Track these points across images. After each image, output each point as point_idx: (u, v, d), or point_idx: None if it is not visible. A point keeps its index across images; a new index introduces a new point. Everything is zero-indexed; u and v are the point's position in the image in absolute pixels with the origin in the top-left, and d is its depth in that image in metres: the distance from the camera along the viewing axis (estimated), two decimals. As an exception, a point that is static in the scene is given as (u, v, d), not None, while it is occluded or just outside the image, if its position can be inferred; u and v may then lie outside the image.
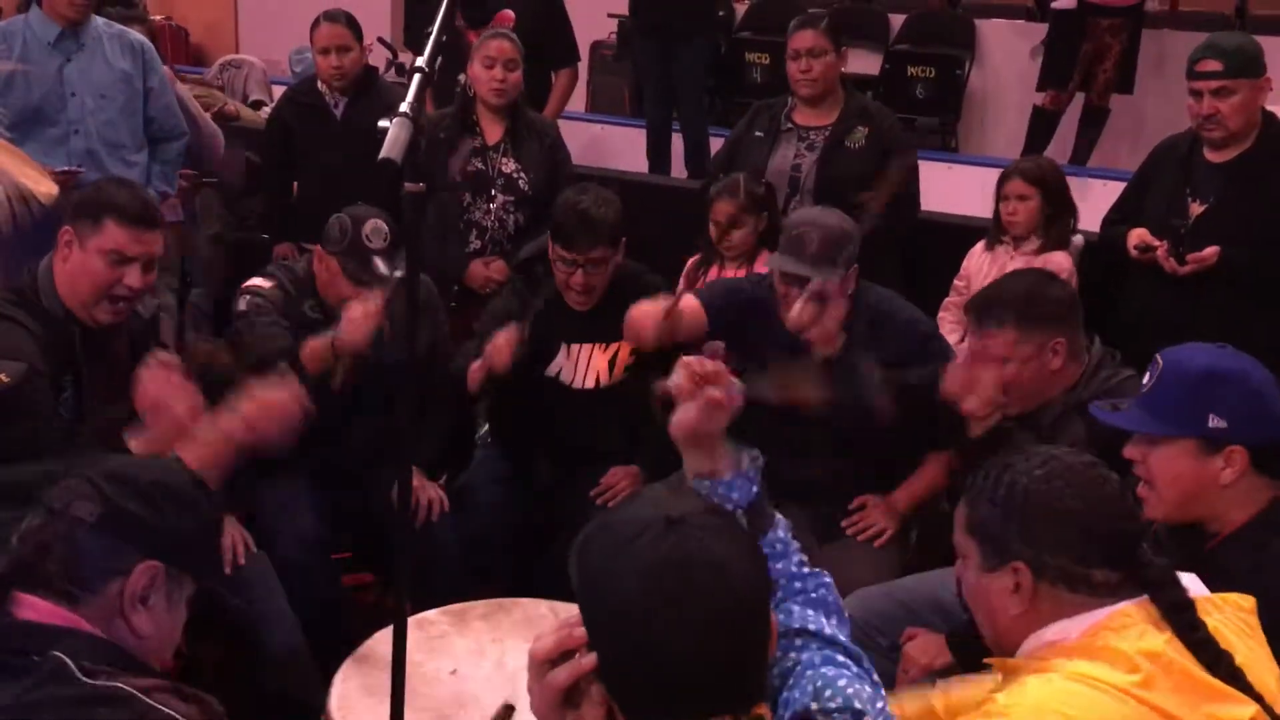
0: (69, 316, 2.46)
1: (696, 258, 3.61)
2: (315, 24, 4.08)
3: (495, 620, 2.35)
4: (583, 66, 5.15)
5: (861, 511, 2.84)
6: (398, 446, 2.14)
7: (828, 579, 1.47)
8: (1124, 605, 1.39)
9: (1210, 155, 3.14)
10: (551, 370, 3.07)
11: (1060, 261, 3.39)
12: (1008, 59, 6.65)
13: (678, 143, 5.63)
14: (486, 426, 3.36)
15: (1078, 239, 3.52)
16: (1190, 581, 1.45)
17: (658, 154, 5.66)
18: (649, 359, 3.14)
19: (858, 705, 1.23)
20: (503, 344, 2.83)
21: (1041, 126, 5.98)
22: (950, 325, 3.56)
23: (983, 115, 6.76)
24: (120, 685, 1.33)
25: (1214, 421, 1.79)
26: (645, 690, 1.11)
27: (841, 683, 1.26)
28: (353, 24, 4.08)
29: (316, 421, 2.81)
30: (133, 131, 3.78)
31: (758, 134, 3.64)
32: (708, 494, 1.40)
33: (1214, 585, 1.49)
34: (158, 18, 6.38)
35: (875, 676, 1.32)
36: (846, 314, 2.79)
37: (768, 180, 3.53)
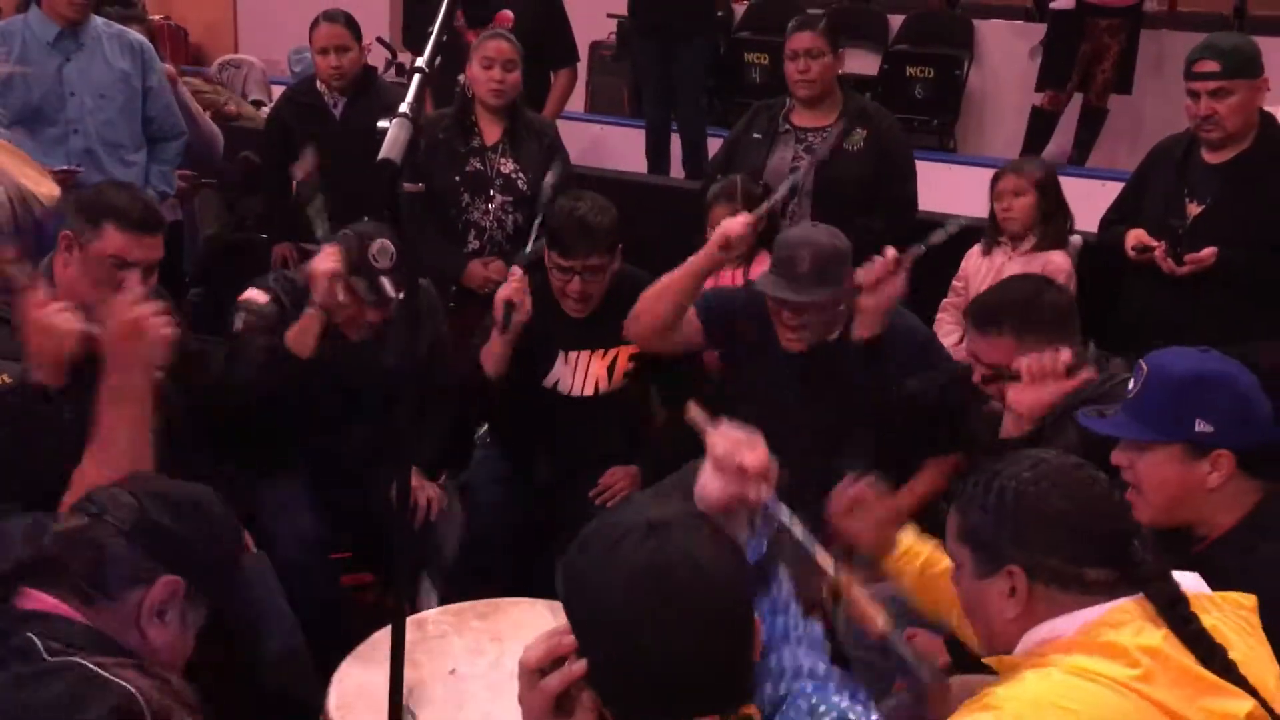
0: None
1: (695, 258, 3.62)
2: (314, 24, 4.08)
3: (494, 620, 2.36)
4: (582, 67, 5.15)
5: (862, 512, 2.84)
6: (397, 446, 2.14)
7: (820, 629, 1.47)
8: (1121, 602, 1.40)
9: (1208, 156, 3.14)
10: (549, 381, 3.07)
11: (1059, 261, 3.39)
12: (1006, 59, 6.66)
13: (676, 143, 5.63)
14: (486, 426, 3.36)
15: (1076, 239, 3.52)
16: (1192, 580, 1.45)
17: (656, 154, 5.66)
18: (649, 364, 3.15)
19: (851, 717, 1.24)
20: (512, 290, 2.81)
21: (1040, 127, 5.98)
22: (949, 327, 3.56)
23: (981, 115, 6.77)
24: (76, 659, 1.34)
25: (1200, 426, 1.80)
26: (635, 693, 1.13)
27: (835, 698, 1.27)
28: (352, 24, 4.08)
29: (316, 421, 2.85)
30: (132, 131, 3.78)
31: (756, 135, 3.64)
32: None
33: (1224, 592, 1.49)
34: (156, 17, 6.38)
35: (873, 708, 1.32)
36: (843, 323, 2.79)
37: (765, 182, 3.53)
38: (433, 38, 1.50)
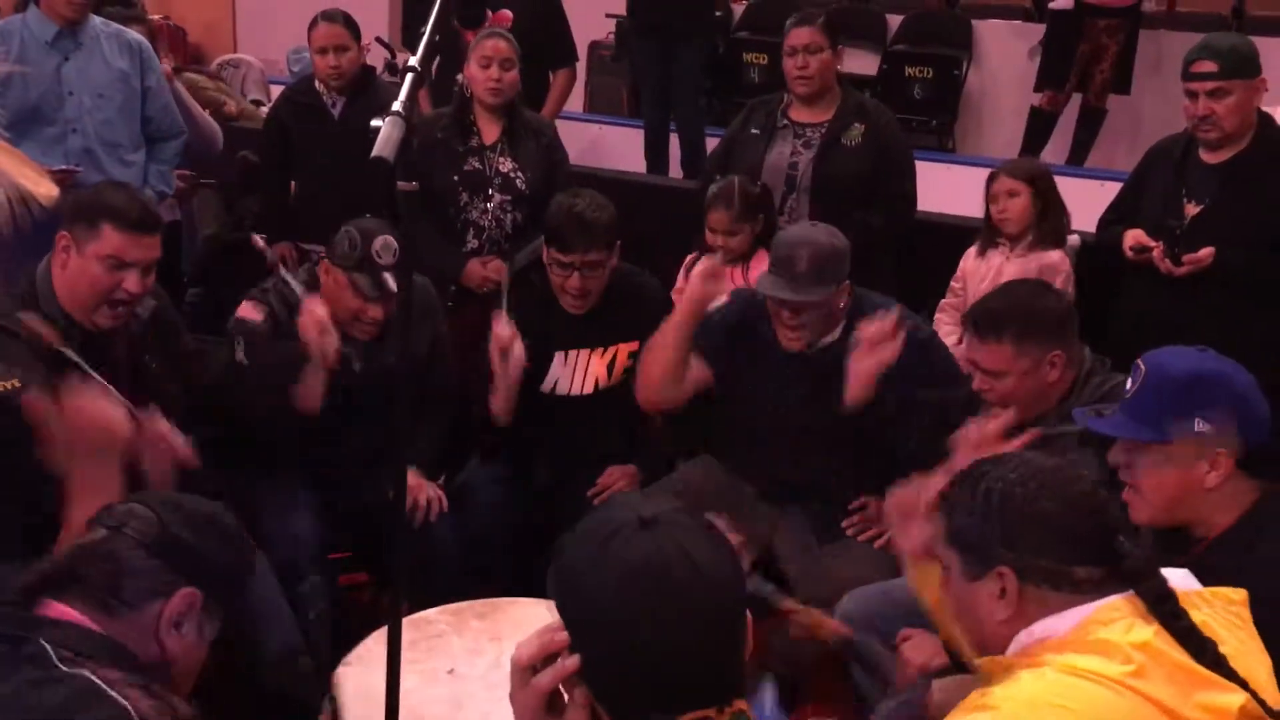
0: (69, 322, 2.45)
1: (694, 256, 3.62)
2: (313, 24, 4.08)
3: (493, 620, 2.36)
4: (581, 67, 5.15)
5: (862, 512, 2.84)
6: (395, 447, 2.14)
7: None
8: (1111, 599, 1.40)
9: (1205, 156, 3.14)
10: (546, 385, 3.07)
11: (1056, 261, 3.39)
12: (1005, 59, 6.66)
13: (675, 143, 5.63)
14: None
15: (1074, 239, 3.52)
16: (1181, 577, 1.46)
17: (655, 154, 5.66)
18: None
19: None
20: (509, 344, 2.81)
21: (1039, 127, 5.99)
22: (948, 327, 3.56)
23: (980, 116, 6.77)
24: (84, 672, 1.37)
25: (1199, 426, 1.80)
26: (628, 688, 1.13)
27: None
28: (350, 24, 4.08)
29: (315, 422, 2.85)
30: (130, 131, 3.77)
31: (753, 131, 3.64)
32: None
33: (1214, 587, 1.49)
34: (155, 17, 6.37)
35: None
36: (842, 328, 2.80)
37: (763, 182, 3.53)
38: (425, 37, 1.50)
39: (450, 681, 2.16)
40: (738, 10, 7.32)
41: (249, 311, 2.84)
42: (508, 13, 4.50)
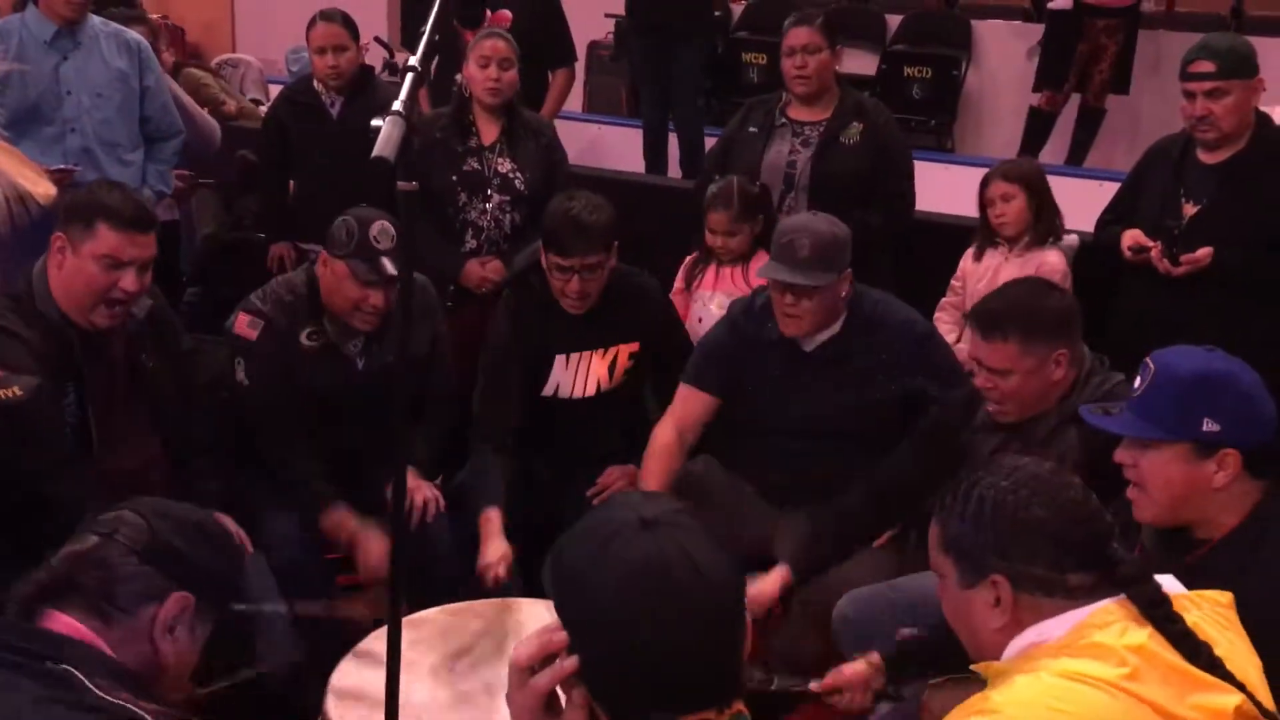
0: (66, 321, 2.45)
1: (693, 256, 3.62)
2: (311, 23, 4.08)
3: (492, 620, 2.35)
4: (580, 67, 5.15)
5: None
6: (394, 447, 2.14)
7: None
8: (1104, 603, 1.40)
9: (1203, 156, 3.15)
10: (548, 390, 3.07)
11: (1054, 261, 3.39)
12: (1004, 59, 6.66)
13: (674, 142, 5.63)
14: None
15: (1073, 239, 3.52)
16: (1169, 581, 1.46)
17: (654, 154, 5.66)
18: (648, 363, 3.15)
19: None
20: (491, 580, 2.75)
21: (1038, 127, 5.99)
22: (947, 325, 3.56)
23: (979, 116, 6.77)
24: (128, 704, 1.40)
25: (1207, 425, 1.80)
26: (628, 689, 1.13)
27: None
28: (349, 23, 4.08)
29: (314, 422, 2.85)
30: (129, 130, 3.77)
31: (751, 129, 3.64)
32: None
33: (1208, 588, 1.49)
34: (154, 17, 6.38)
35: None
36: (842, 322, 2.80)
37: (763, 182, 3.53)
38: (425, 37, 1.50)
39: (449, 682, 2.16)
40: (737, 10, 7.32)
41: (246, 329, 2.83)
42: (507, 13, 4.50)
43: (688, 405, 2.93)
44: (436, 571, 2.80)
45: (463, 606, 2.40)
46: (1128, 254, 3.20)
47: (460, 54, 3.77)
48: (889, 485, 2.66)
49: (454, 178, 3.58)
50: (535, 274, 3.07)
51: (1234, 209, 3.08)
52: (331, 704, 2.07)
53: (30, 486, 2.22)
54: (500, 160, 3.61)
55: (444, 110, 3.75)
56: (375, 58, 5.49)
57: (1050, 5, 6.02)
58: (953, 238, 3.75)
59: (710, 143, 4.29)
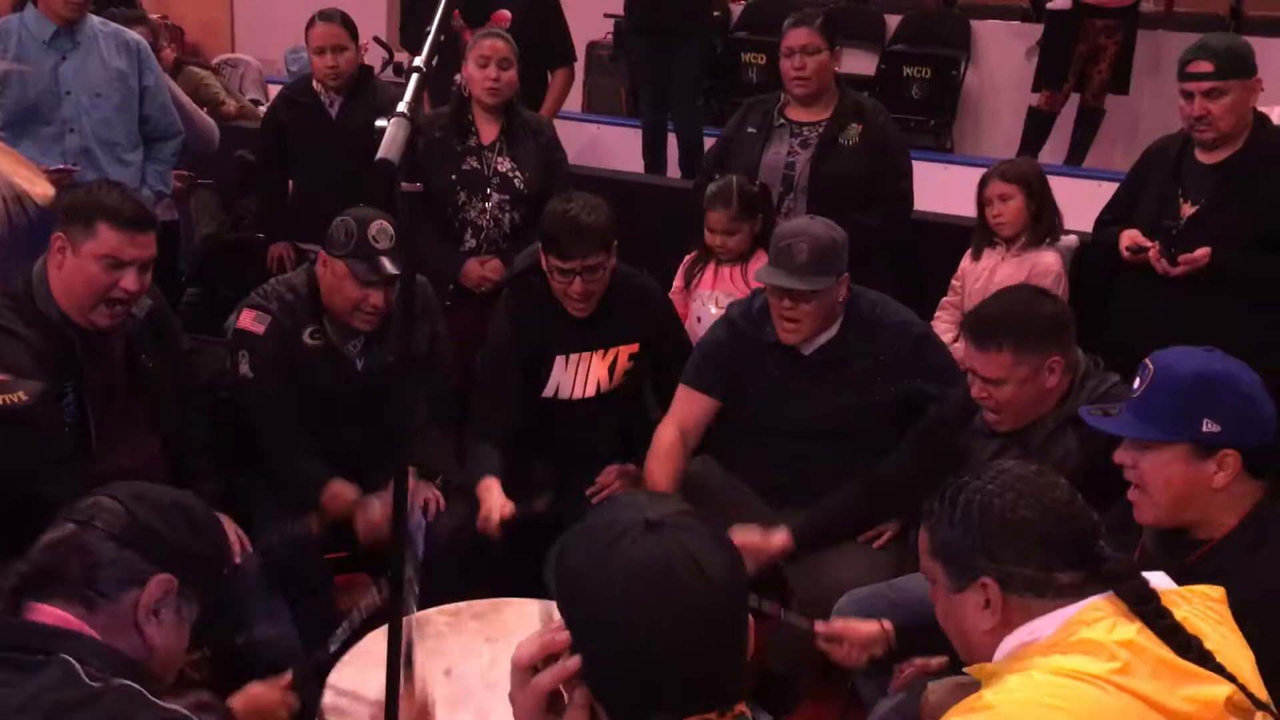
0: (66, 321, 2.45)
1: (692, 255, 3.62)
2: (310, 23, 4.07)
3: (490, 620, 2.35)
4: (579, 67, 5.15)
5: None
6: (394, 446, 2.14)
7: None
8: (1093, 600, 1.41)
9: (1201, 156, 3.15)
10: (549, 391, 3.07)
11: (1049, 262, 3.39)
12: (1003, 59, 6.67)
13: (674, 142, 5.63)
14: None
15: (1071, 239, 3.52)
16: (1159, 578, 1.46)
17: (653, 154, 5.66)
18: (647, 364, 3.15)
19: None
20: (491, 525, 2.78)
21: (1037, 127, 5.99)
22: (946, 325, 3.57)
23: (978, 116, 6.77)
24: (130, 683, 1.40)
25: (1207, 426, 1.80)
26: (630, 690, 1.12)
27: None
28: (348, 23, 4.08)
29: (314, 421, 2.84)
30: (128, 130, 3.77)
31: (750, 130, 3.64)
32: None
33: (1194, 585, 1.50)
34: (154, 17, 6.38)
35: None
36: (839, 324, 2.81)
37: (762, 182, 3.53)
38: (430, 37, 1.50)
39: (447, 682, 2.16)
40: (736, 10, 7.32)
41: (251, 323, 2.82)
42: (506, 13, 4.50)
43: (688, 407, 2.94)
44: (435, 572, 2.79)
45: (460, 607, 2.40)
46: (1126, 254, 3.20)
47: (460, 54, 3.77)
48: (886, 481, 2.67)
49: (453, 177, 3.58)
50: (535, 274, 3.07)
51: (1232, 209, 3.08)
52: (331, 704, 2.07)
53: (28, 486, 2.22)
54: (500, 159, 3.61)
55: (443, 110, 3.75)
56: (375, 58, 5.49)
57: (1049, 5, 6.02)
58: (952, 238, 3.75)
59: (709, 143, 4.29)
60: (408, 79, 1.44)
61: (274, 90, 5.33)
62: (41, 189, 2.38)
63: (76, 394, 2.46)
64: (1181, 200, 3.15)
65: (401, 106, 1.39)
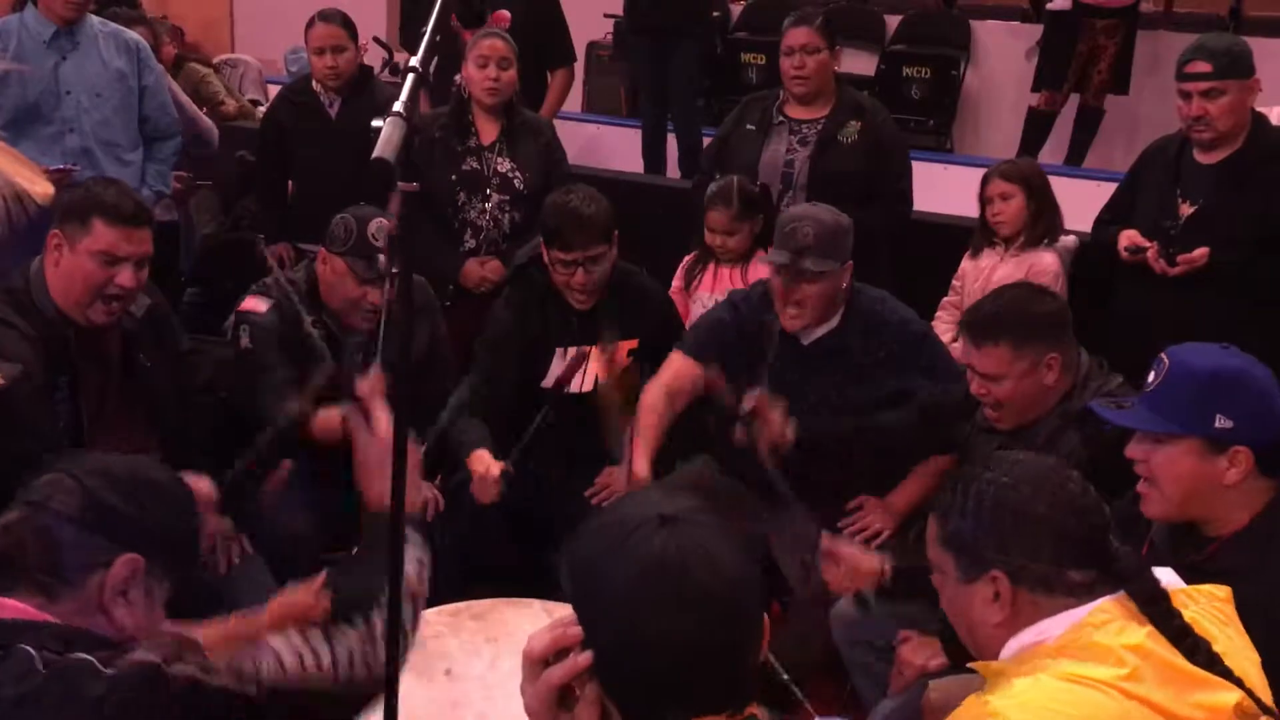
0: (63, 318, 2.45)
1: (692, 256, 3.62)
2: (310, 24, 4.08)
3: (489, 620, 2.35)
4: (579, 67, 5.15)
5: (859, 512, 2.85)
6: (393, 446, 2.14)
7: None
8: (1101, 602, 1.40)
9: (1200, 156, 3.15)
10: (548, 381, 3.07)
11: (1048, 261, 3.39)
12: (1003, 60, 6.66)
13: (673, 142, 5.63)
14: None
15: (1071, 239, 3.53)
16: (1167, 575, 1.45)
17: (653, 154, 5.66)
18: (646, 360, 3.15)
19: None
20: (490, 482, 2.77)
21: (1036, 127, 5.99)
22: (947, 324, 3.57)
23: (978, 116, 6.77)
24: (82, 656, 1.33)
25: (1220, 422, 1.79)
26: (641, 686, 1.12)
27: None
28: (348, 24, 4.08)
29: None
30: (128, 130, 3.77)
31: (749, 127, 3.64)
32: None
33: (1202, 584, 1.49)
34: (154, 17, 6.39)
35: None
36: (840, 316, 2.80)
37: (763, 182, 3.53)
38: (426, 37, 1.50)
39: (447, 682, 2.16)
40: (736, 10, 7.32)
41: (255, 304, 2.84)
42: (506, 13, 4.50)
43: (680, 374, 2.88)
44: (434, 572, 2.79)
45: (460, 607, 2.40)
46: (1124, 254, 3.21)
47: (459, 54, 3.77)
48: (890, 422, 2.70)
49: (453, 177, 3.58)
50: (536, 268, 3.07)
51: (1230, 209, 3.08)
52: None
53: (15, 476, 2.21)
54: (500, 160, 3.62)
55: (443, 110, 3.75)
56: (374, 58, 5.49)
57: (1049, 6, 6.02)
58: (951, 238, 3.75)
59: (709, 143, 4.30)
60: (404, 79, 1.44)
61: (274, 90, 5.33)
62: (42, 188, 2.38)
63: (71, 390, 2.46)
64: (1180, 200, 3.15)
65: (397, 106, 1.39)
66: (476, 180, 3.60)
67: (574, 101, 5.95)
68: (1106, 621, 1.37)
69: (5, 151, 2.46)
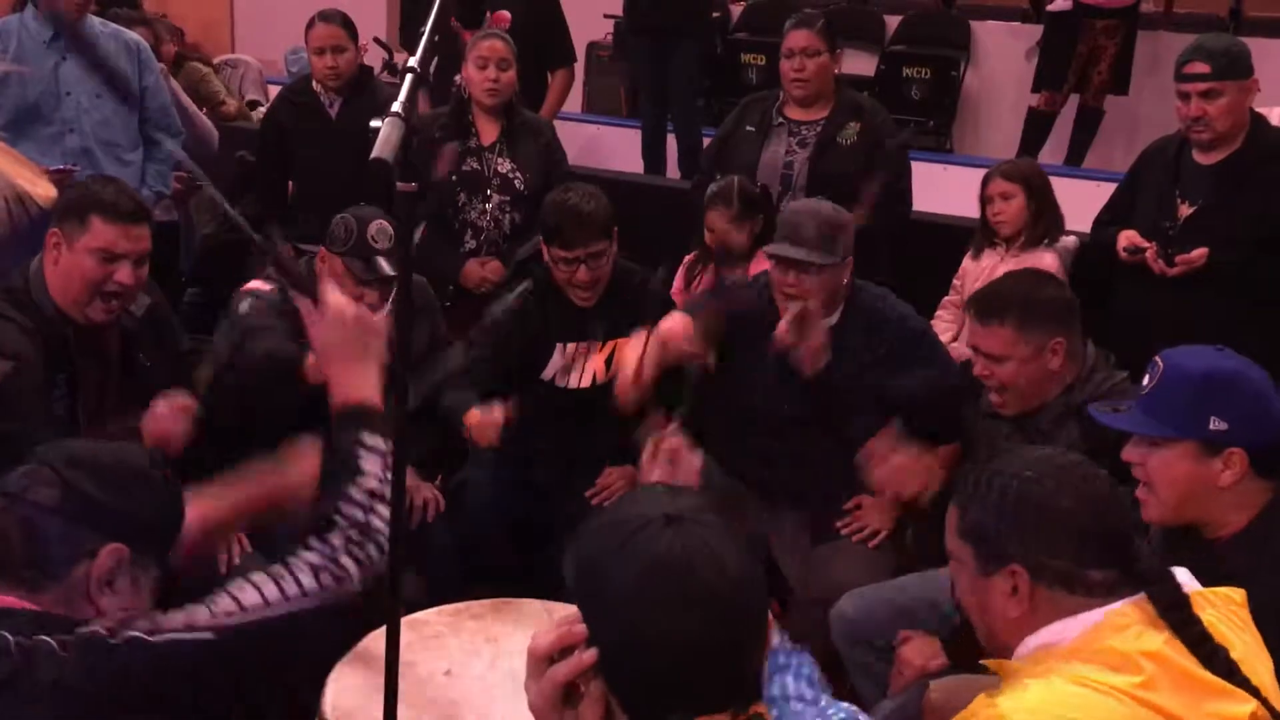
0: (62, 316, 2.46)
1: (692, 256, 3.62)
2: (310, 24, 4.08)
3: (490, 620, 2.35)
4: (579, 67, 5.15)
5: (856, 512, 2.85)
6: (394, 447, 2.14)
7: (810, 659, 1.45)
8: (1120, 605, 1.38)
9: (1199, 157, 3.16)
10: (547, 374, 3.07)
11: (1048, 263, 3.39)
12: (1003, 60, 6.66)
13: (673, 143, 5.63)
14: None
15: (1071, 240, 3.53)
16: (1184, 576, 1.44)
17: (653, 155, 5.66)
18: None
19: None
20: (489, 427, 2.77)
21: (1036, 128, 5.99)
22: (945, 324, 3.57)
23: (978, 116, 6.77)
24: (42, 639, 1.33)
25: (1215, 424, 1.79)
26: (645, 685, 1.12)
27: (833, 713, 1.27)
28: (348, 24, 4.08)
29: (311, 420, 2.84)
30: (128, 130, 3.78)
31: (749, 128, 3.64)
32: None
33: (1215, 587, 1.48)
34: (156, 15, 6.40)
35: None
36: (841, 312, 2.80)
37: (764, 183, 3.53)
38: (425, 38, 1.50)
39: (447, 682, 2.16)
40: (736, 10, 7.32)
41: (259, 285, 2.85)
42: (506, 13, 4.50)
43: (674, 325, 2.82)
44: (435, 571, 2.80)
45: (460, 607, 2.40)
46: (1123, 255, 3.21)
47: (459, 55, 3.78)
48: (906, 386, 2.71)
49: (453, 178, 3.59)
50: (537, 264, 3.08)
51: (1229, 209, 3.08)
52: (330, 704, 2.07)
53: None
54: (500, 160, 3.62)
55: (442, 110, 3.75)
56: (374, 58, 5.49)
57: (1049, 6, 6.02)
58: (951, 238, 3.76)
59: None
60: (402, 79, 1.45)
61: (274, 90, 5.33)
62: (43, 189, 2.39)
63: (69, 387, 2.46)
64: (1179, 201, 3.15)
65: (396, 107, 1.39)
66: (477, 181, 3.60)
67: (574, 102, 5.96)
68: (1125, 626, 1.35)
69: (6, 153, 2.46)
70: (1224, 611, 1.42)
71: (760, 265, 3.32)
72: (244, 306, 2.81)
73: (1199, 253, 3.04)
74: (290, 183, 4.28)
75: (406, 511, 2.81)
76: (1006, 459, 1.49)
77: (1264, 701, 1.34)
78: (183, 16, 7.81)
